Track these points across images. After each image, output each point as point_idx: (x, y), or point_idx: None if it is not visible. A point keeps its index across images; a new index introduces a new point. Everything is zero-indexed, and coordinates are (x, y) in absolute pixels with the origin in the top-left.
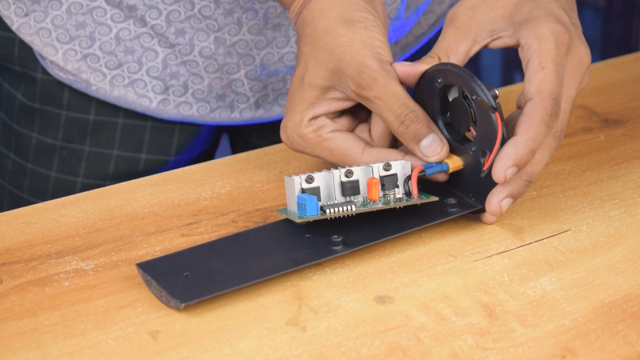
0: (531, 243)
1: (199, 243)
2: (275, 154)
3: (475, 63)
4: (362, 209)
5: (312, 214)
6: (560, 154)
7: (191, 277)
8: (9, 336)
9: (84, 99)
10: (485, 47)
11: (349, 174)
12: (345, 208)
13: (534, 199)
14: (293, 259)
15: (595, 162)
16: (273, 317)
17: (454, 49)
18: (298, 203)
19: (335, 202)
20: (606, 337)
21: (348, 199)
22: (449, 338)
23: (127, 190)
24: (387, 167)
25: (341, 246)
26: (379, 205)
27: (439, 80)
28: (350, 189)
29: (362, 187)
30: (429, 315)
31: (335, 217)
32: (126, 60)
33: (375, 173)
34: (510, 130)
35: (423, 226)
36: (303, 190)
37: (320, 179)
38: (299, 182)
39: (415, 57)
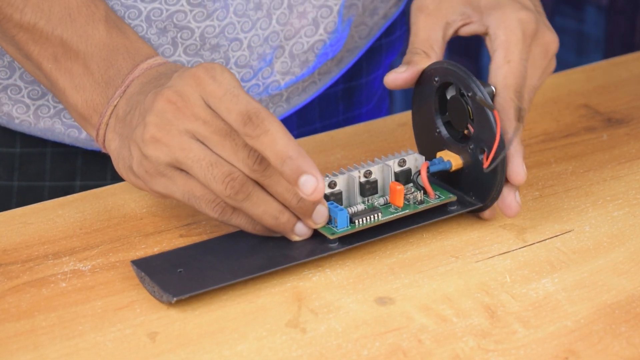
0: (533, 244)
1: None
2: None
3: (476, 62)
4: (389, 217)
5: (343, 228)
6: (563, 154)
7: (184, 273)
8: (5, 338)
9: (6, 132)
10: (457, 32)
11: (367, 174)
12: (372, 218)
13: (537, 199)
14: (288, 255)
15: (598, 162)
16: (272, 318)
17: (432, 37)
18: None
19: (357, 207)
20: (609, 339)
21: (367, 200)
22: (450, 340)
23: (125, 190)
24: (402, 162)
25: (337, 243)
26: (406, 211)
27: (436, 79)
28: (369, 189)
29: (380, 185)
30: (430, 317)
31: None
32: None
33: (392, 170)
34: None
35: (421, 224)
36: (326, 197)
37: (342, 183)
38: None
39: (349, 74)
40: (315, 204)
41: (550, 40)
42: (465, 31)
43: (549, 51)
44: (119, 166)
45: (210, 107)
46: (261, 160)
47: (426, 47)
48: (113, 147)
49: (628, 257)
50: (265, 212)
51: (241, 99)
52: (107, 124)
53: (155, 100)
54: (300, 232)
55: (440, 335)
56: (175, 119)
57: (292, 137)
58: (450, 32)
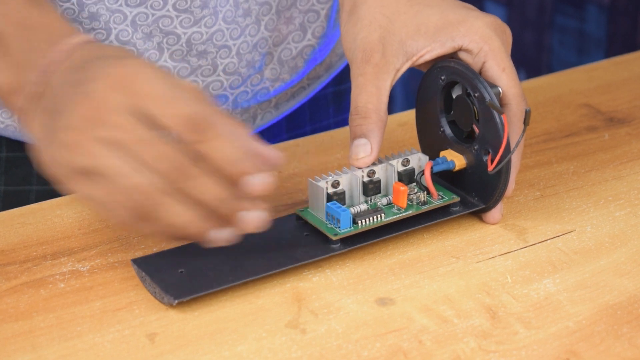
0: (535, 244)
1: None
2: None
3: None
4: (392, 218)
5: (346, 229)
6: (564, 154)
7: (186, 273)
8: (3, 339)
9: None
10: (413, 65)
11: (371, 174)
12: (375, 218)
13: (538, 200)
14: (290, 256)
15: (600, 161)
16: (272, 319)
17: (382, 90)
18: (327, 213)
19: (360, 206)
20: (611, 340)
21: (370, 199)
22: (451, 341)
23: None
24: (406, 162)
25: (339, 244)
26: (409, 212)
27: (442, 77)
28: (372, 189)
29: (383, 185)
30: (431, 318)
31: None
32: None
33: (395, 169)
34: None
35: (424, 225)
36: (329, 197)
37: (345, 182)
38: (324, 188)
39: (338, 77)
40: (250, 206)
41: (506, 29)
42: (423, 60)
43: (509, 37)
44: (41, 157)
45: (136, 113)
46: (181, 162)
47: (372, 105)
48: (34, 135)
49: (630, 257)
50: (185, 220)
51: (177, 101)
52: (27, 110)
53: (75, 102)
54: (218, 237)
55: (441, 336)
56: (93, 126)
57: (239, 136)
58: (398, 76)
